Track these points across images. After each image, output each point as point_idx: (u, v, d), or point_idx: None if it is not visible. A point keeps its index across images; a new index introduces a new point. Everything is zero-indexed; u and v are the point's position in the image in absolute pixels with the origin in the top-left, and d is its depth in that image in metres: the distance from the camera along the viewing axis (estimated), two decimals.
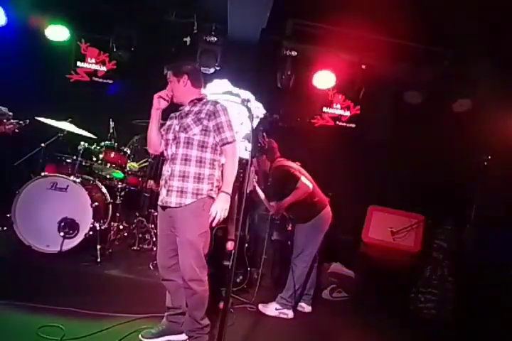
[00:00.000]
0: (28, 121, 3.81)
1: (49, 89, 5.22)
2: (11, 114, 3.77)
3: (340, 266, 4.79)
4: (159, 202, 2.73)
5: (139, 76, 5.36)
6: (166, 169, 2.71)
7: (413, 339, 3.90)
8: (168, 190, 2.64)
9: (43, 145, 4.33)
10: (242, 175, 3.56)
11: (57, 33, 5.10)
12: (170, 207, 2.64)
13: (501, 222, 4.62)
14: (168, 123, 2.81)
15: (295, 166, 3.81)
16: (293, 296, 3.68)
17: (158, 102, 2.71)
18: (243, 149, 4.39)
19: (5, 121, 3.68)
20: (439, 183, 5.14)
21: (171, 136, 2.73)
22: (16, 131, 3.77)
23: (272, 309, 3.69)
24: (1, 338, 2.52)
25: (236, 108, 3.96)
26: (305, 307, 3.90)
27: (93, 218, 3.92)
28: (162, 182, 2.74)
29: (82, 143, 4.25)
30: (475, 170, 4.87)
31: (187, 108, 2.77)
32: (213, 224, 2.59)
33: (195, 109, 2.72)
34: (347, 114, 5.46)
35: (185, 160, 2.63)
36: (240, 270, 4.00)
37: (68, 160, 4.37)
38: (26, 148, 4.45)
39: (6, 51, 4.92)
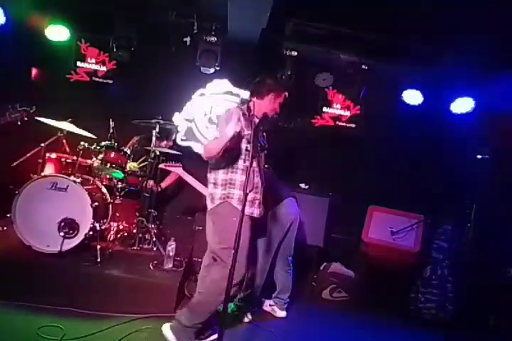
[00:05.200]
0: (34, 107, 3.76)
1: (49, 89, 5.22)
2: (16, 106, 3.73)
3: (340, 266, 4.80)
4: (257, 215, 2.87)
5: (139, 76, 5.35)
6: (258, 181, 2.83)
7: (413, 339, 3.90)
8: (260, 203, 2.90)
9: (42, 145, 4.32)
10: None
11: (57, 33, 5.07)
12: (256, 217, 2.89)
13: (501, 222, 4.62)
14: (247, 132, 2.77)
15: None
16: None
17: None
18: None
19: (11, 110, 3.64)
20: (439, 183, 5.15)
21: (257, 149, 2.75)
22: (25, 119, 3.73)
23: (265, 304, 3.78)
24: (1, 338, 2.52)
25: None
26: (277, 311, 3.77)
27: (93, 218, 3.90)
28: (257, 195, 2.83)
29: (82, 143, 4.24)
30: (475, 170, 4.88)
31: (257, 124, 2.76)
32: None
33: (259, 131, 2.87)
34: (347, 114, 5.45)
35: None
36: None
37: (68, 160, 4.37)
38: (26, 148, 4.44)
39: (6, 51, 4.91)
